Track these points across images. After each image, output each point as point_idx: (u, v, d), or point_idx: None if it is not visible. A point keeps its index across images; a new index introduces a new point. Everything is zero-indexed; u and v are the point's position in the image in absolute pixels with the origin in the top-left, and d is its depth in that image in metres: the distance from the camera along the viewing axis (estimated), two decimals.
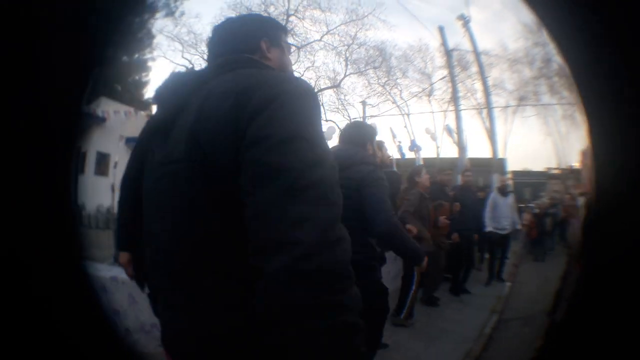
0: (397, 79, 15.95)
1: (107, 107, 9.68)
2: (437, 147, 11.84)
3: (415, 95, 15.31)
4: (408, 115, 15.06)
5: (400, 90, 15.86)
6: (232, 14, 16.27)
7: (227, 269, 0.75)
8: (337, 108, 16.06)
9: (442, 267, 4.48)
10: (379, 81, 15.93)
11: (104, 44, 0.81)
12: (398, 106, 15.63)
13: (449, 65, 11.84)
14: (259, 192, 0.65)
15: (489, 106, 10.92)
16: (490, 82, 12.03)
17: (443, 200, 4.43)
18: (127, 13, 0.90)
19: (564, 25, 0.91)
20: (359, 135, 2.21)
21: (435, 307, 4.41)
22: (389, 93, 15.90)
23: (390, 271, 4.13)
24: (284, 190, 0.63)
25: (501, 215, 5.47)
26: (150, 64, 17.42)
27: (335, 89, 16.15)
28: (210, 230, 0.76)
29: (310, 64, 16.07)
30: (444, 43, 11.51)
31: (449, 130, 10.71)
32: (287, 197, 0.63)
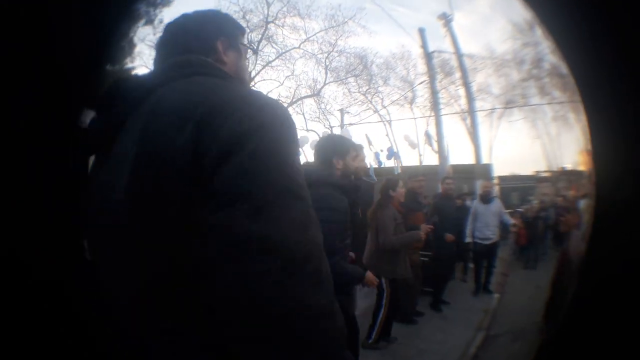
0: (378, 87, 15.96)
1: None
2: (420, 155, 11.51)
3: (397, 103, 15.15)
4: (389, 122, 14.85)
5: (382, 99, 15.76)
6: None
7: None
8: (318, 117, 15.92)
9: (417, 282, 4.27)
10: (360, 89, 15.87)
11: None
12: (379, 114, 15.44)
13: (429, 68, 11.69)
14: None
15: (471, 110, 10.67)
16: (475, 87, 12.18)
17: (416, 210, 4.21)
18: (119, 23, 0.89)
19: (563, 24, 0.91)
20: (324, 151, 2.25)
21: (413, 325, 4.16)
22: (370, 102, 15.83)
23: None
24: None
25: (484, 224, 5.16)
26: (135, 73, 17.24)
27: (315, 98, 15.85)
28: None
29: (289, 72, 15.94)
30: (423, 45, 11.31)
31: (428, 136, 10.44)
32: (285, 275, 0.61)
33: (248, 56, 1.07)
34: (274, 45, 15.67)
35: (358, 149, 2.39)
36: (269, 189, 0.62)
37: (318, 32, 15.40)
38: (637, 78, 0.82)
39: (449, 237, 4.59)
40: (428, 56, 11.31)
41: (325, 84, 15.98)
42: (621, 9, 0.81)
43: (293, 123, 0.74)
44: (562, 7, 0.89)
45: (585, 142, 0.93)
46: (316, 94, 16.10)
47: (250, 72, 15.18)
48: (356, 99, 15.95)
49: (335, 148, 2.22)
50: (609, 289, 0.85)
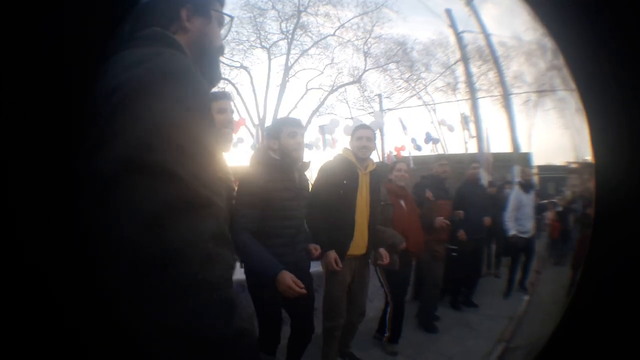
0: (420, 73, 15.55)
1: None
2: (465, 142, 11.12)
3: (440, 90, 14.78)
4: (430, 106, 14.47)
5: (425, 85, 15.42)
6: (242, 13, 16.61)
7: None
8: (362, 105, 16.17)
9: (438, 280, 3.98)
10: (402, 76, 15.63)
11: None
12: (423, 101, 15.14)
13: (461, 48, 11.26)
14: None
15: (506, 97, 10.11)
16: (509, 74, 11.51)
17: (441, 198, 3.96)
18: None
19: (563, 25, 0.92)
20: (265, 134, 2.66)
21: (432, 334, 3.83)
22: (413, 88, 15.55)
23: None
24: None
25: (525, 215, 4.75)
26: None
27: (357, 85, 15.69)
28: None
29: (329, 60, 16.09)
30: (452, 25, 10.89)
31: (464, 119, 9.91)
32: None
33: (226, 22, 1.08)
34: (309, 34, 15.77)
35: (295, 126, 2.37)
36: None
37: (352, 19, 15.37)
38: (637, 76, 0.83)
39: (461, 234, 4.20)
40: (458, 36, 10.89)
41: (365, 70, 15.95)
42: (621, 8, 0.83)
43: (190, 74, 0.76)
44: (562, 7, 0.91)
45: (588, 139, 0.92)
46: (357, 81, 16.09)
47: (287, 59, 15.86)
48: (399, 86, 15.73)
49: (269, 130, 2.50)
50: (610, 287, 0.86)
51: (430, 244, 3.76)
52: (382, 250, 3.10)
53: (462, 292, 4.42)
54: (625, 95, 0.85)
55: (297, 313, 2.43)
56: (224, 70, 16.95)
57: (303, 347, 2.51)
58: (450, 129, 10.71)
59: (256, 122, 15.15)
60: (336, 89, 16.71)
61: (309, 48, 16.77)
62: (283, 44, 16.82)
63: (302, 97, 16.82)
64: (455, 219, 3.91)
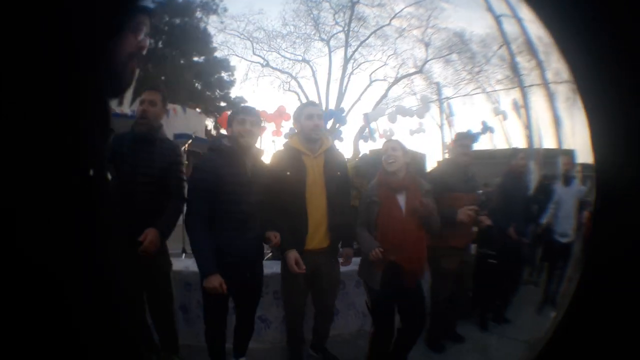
0: (482, 64, 15.43)
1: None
2: (530, 135, 10.72)
3: (501, 82, 14.62)
4: (494, 98, 14.27)
5: (488, 77, 15.32)
6: (299, 5, 16.83)
7: None
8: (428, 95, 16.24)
9: (456, 293, 3.38)
10: (465, 67, 15.56)
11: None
12: (483, 89, 15.04)
13: (502, 34, 10.95)
14: None
15: (548, 89, 9.66)
16: (551, 72, 10.87)
17: (457, 190, 3.23)
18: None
19: (564, 26, 0.93)
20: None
21: (438, 354, 3.31)
22: (476, 79, 15.49)
23: None
24: None
25: (564, 213, 4.15)
26: (233, 63, 20.27)
27: (421, 75, 16.52)
28: None
29: (391, 51, 16.35)
30: (489, 8, 10.58)
31: (515, 105, 9.56)
32: None
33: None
34: (366, 24, 16.14)
35: (245, 113, 2.45)
36: None
37: (405, 8, 15.48)
38: (637, 73, 0.84)
39: (512, 232, 3.65)
40: (497, 20, 10.46)
41: (426, 60, 15.99)
42: (621, 8, 0.84)
43: None
44: (562, 7, 0.92)
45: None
46: (419, 71, 16.20)
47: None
48: (462, 78, 15.62)
49: (228, 119, 2.57)
50: (612, 280, 0.87)
51: (440, 253, 3.07)
52: (345, 250, 2.90)
53: (494, 307, 3.93)
54: (625, 91, 0.86)
55: (242, 308, 2.63)
56: (287, 65, 17.56)
57: (243, 341, 2.72)
58: (505, 116, 10.50)
59: None
60: (399, 80, 16.84)
61: (366, 39, 17.08)
62: (342, 36, 17.16)
63: (365, 89, 17.06)
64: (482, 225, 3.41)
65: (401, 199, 2.62)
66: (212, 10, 20.64)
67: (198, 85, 21.02)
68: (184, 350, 2.86)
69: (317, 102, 15.66)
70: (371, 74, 17.62)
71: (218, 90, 21.29)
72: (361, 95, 16.97)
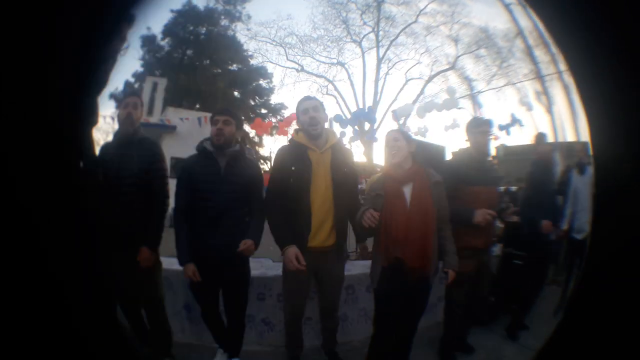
0: (508, 58, 15.49)
1: (174, 115, 11.42)
2: (553, 126, 10.53)
3: (527, 76, 14.56)
4: (521, 91, 14.22)
5: (515, 71, 15.34)
6: (327, 9, 17.19)
7: None
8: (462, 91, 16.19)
9: (460, 301, 2.94)
10: (495, 62, 15.65)
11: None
12: (512, 82, 15.04)
13: (516, 24, 10.86)
14: None
15: (559, 73, 9.40)
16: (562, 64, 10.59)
17: (478, 185, 2.80)
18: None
19: (564, 26, 0.96)
20: None
21: None
22: (506, 74, 15.59)
23: None
24: None
25: (580, 206, 3.67)
26: (270, 70, 19.88)
27: (455, 71, 16.68)
28: None
29: (424, 49, 16.50)
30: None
31: (538, 94, 9.41)
32: None
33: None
34: (394, 23, 16.40)
35: (217, 114, 2.61)
36: None
37: (429, 4, 15.92)
38: (635, 71, 0.87)
39: (546, 224, 3.18)
40: (507, 8, 10.29)
41: (457, 56, 16.12)
42: (618, 7, 0.86)
43: None
44: (560, 6, 0.95)
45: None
46: (452, 67, 16.30)
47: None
48: (493, 73, 15.72)
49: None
50: (612, 274, 0.88)
51: (465, 246, 2.67)
52: (361, 245, 2.80)
53: (513, 312, 3.52)
54: (624, 89, 0.87)
55: (227, 307, 2.70)
56: (323, 68, 18.19)
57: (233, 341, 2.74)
58: (529, 107, 10.40)
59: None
60: (434, 77, 17.04)
61: (396, 37, 17.26)
62: (373, 37, 17.48)
63: (402, 88, 17.23)
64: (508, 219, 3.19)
65: (407, 192, 2.43)
66: (235, 17, 21.10)
67: (237, 94, 21.69)
68: (185, 347, 2.95)
69: (356, 104, 16.13)
70: (406, 72, 17.92)
71: (257, 98, 21.87)
72: (397, 94, 17.20)
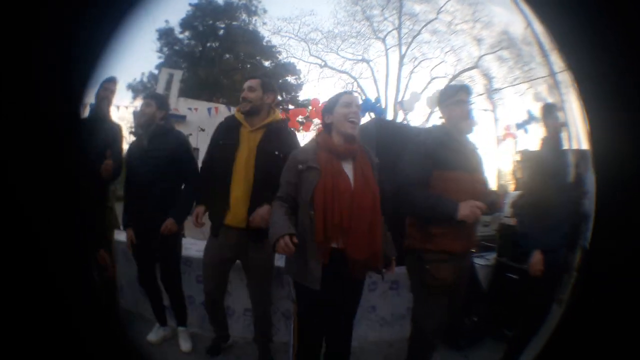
0: (529, 61, 15.62)
1: (184, 105, 11.95)
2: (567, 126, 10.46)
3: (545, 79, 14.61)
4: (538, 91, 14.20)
5: (536, 73, 15.46)
6: (350, 6, 17.31)
7: None
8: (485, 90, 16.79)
9: (434, 325, 2.19)
10: (517, 64, 15.77)
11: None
12: (530, 82, 15.16)
13: (527, 19, 10.53)
14: None
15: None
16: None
17: (458, 170, 2.13)
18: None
19: (565, 27, 0.94)
20: None
21: None
22: (527, 76, 15.76)
23: None
24: None
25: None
26: (299, 67, 20.98)
27: (477, 70, 16.73)
28: None
29: (449, 48, 16.70)
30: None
31: (550, 89, 9.28)
32: None
33: None
34: (417, 21, 16.67)
35: (145, 97, 2.96)
36: None
37: (449, 1, 16.40)
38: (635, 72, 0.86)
39: (536, 261, 2.39)
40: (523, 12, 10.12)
41: (480, 56, 16.18)
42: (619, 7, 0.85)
43: None
44: (560, 6, 0.94)
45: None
46: (475, 67, 16.40)
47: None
48: (515, 75, 15.79)
49: None
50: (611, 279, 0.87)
51: (429, 259, 2.09)
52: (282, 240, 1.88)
53: (508, 340, 2.68)
54: (625, 90, 0.86)
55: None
56: (348, 65, 18.13)
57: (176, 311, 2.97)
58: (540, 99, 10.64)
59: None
60: (457, 76, 17.10)
61: (417, 34, 17.34)
62: (396, 34, 17.61)
63: (426, 86, 17.34)
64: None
65: (348, 169, 1.99)
66: (252, 12, 21.39)
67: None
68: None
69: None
70: (431, 71, 17.86)
71: (285, 93, 21.30)
72: (422, 92, 17.36)
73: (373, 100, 6.29)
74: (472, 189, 2.08)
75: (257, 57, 21.49)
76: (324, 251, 1.87)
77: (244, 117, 2.51)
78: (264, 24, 20.14)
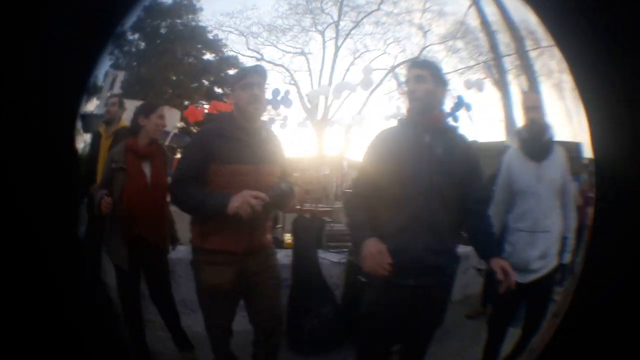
0: (486, 51, 15.87)
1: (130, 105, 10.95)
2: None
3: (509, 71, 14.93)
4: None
5: (496, 64, 15.80)
6: None
7: None
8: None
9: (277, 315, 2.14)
10: (471, 55, 16.01)
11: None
12: (495, 80, 15.29)
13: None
14: None
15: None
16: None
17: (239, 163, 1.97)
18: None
19: (565, 27, 0.94)
20: None
21: None
22: (487, 67, 15.90)
23: None
24: None
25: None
26: (242, 60, 19.31)
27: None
28: None
29: (392, 39, 16.81)
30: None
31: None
32: None
33: None
34: (359, 13, 16.74)
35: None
36: None
37: None
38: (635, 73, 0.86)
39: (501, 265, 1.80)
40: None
41: (424, 47, 16.36)
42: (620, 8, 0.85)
43: None
44: (562, 7, 0.94)
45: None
46: (417, 58, 16.67)
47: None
48: (470, 66, 16.08)
49: None
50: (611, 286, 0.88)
51: (203, 261, 1.99)
52: None
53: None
54: (626, 91, 0.86)
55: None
56: (287, 59, 18.40)
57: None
58: (480, 87, 9.15)
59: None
60: (396, 67, 17.26)
61: (355, 26, 17.43)
62: (334, 27, 17.69)
63: (365, 78, 17.47)
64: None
65: (146, 168, 2.43)
66: (195, 10, 21.37)
67: (205, 82, 22.71)
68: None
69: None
70: (370, 62, 18.01)
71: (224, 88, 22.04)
72: (358, 84, 17.51)
73: (282, 93, 6.43)
74: (257, 182, 1.91)
75: (193, 54, 21.59)
76: (126, 236, 2.36)
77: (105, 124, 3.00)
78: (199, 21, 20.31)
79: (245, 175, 1.91)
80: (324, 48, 18.43)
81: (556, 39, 0.98)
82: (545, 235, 2.22)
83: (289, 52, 18.82)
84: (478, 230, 1.84)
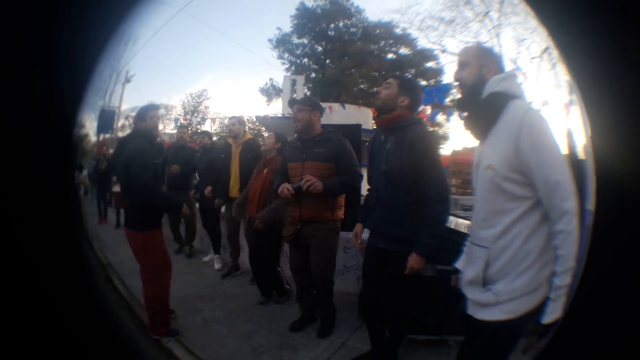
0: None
1: None
2: None
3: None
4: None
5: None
6: None
7: None
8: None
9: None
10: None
11: None
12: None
13: None
14: None
15: None
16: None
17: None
18: None
19: (565, 27, 0.94)
20: None
21: None
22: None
23: None
24: None
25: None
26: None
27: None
28: None
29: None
30: None
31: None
32: None
33: None
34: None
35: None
36: None
37: None
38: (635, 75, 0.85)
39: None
40: None
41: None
42: (620, 13, 0.85)
43: None
44: (563, 12, 0.93)
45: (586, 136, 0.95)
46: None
47: None
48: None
49: None
50: (611, 286, 0.87)
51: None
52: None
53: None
54: (626, 93, 0.86)
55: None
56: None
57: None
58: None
59: None
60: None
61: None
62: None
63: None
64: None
65: (265, 170, 3.78)
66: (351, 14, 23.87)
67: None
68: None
69: None
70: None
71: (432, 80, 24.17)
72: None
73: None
74: (300, 175, 3.05)
75: (393, 50, 23.39)
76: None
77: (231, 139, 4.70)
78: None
79: (292, 169, 3.09)
80: (497, 37, 18.33)
81: (556, 39, 0.97)
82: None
83: (467, 43, 19.05)
84: (421, 215, 2.21)
